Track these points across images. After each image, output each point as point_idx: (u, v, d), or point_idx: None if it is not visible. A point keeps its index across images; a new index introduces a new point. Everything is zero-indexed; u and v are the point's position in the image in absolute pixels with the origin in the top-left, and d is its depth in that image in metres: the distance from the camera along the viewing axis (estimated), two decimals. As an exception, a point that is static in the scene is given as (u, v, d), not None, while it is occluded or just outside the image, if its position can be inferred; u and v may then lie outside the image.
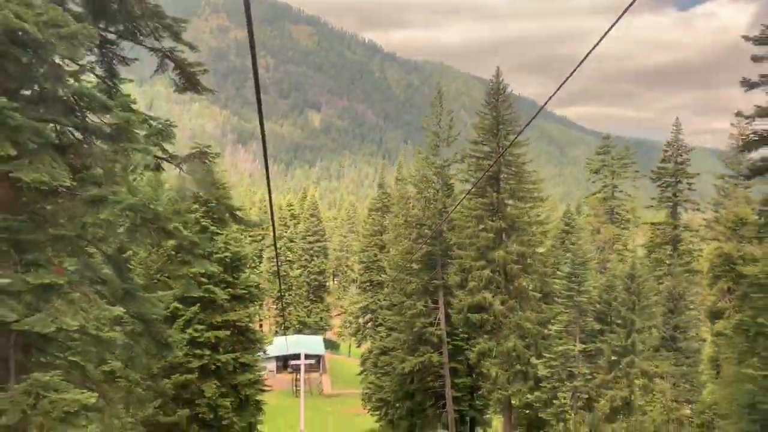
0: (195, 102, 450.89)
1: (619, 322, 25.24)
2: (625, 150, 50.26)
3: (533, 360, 27.31)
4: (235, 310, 22.68)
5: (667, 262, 36.65)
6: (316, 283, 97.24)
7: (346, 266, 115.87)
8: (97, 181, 8.00)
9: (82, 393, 7.63)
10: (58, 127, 7.79)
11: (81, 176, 7.99)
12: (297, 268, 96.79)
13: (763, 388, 14.20)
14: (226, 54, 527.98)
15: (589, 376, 25.82)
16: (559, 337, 27.29)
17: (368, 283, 54.77)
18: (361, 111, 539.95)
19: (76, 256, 8.10)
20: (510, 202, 29.19)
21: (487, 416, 39.08)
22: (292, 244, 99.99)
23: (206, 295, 21.25)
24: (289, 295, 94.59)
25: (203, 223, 21.82)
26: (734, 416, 15.98)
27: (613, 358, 25.09)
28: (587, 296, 26.64)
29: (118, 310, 8.05)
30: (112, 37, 9.73)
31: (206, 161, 9.38)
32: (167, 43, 9.96)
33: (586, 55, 4.75)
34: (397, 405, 38.27)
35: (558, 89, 5.51)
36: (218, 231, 22.39)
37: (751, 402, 14.54)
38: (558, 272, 28.82)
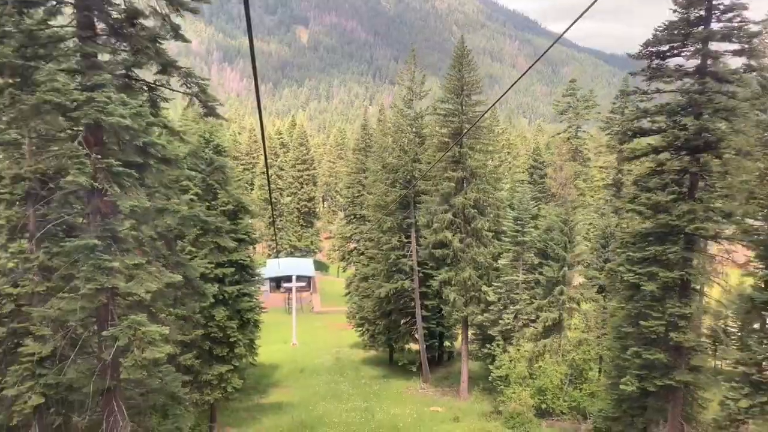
0: (178, 18, 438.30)
1: (555, 257, 30.66)
2: (589, 93, 54.51)
3: (484, 287, 33.01)
4: (237, 251, 27.83)
5: (612, 202, 41.89)
6: (306, 209, 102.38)
7: (335, 191, 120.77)
8: (160, 195, 12.74)
9: (159, 327, 12.71)
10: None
11: (150, 192, 12.66)
12: (287, 195, 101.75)
13: (621, 317, 19.62)
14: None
15: (529, 302, 31.57)
16: (507, 268, 32.87)
17: (353, 216, 60.03)
18: (350, 27, 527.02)
19: (148, 243, 12.91)
20: (471, 154, 33.86)
21: (454, 332, 45.42)
22: (282, 172, 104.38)
23: (215, 240, 26.30)
24: (281, 220, 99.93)
25: (209, 182, 26.46)
26: (611, 336, 21.59)
27: (547, 287, 30.74)
28: (530, 236, 31.98)
29: (177, 276, 13.02)
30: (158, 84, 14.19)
31: (224, 173, 14.06)
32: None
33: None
34: (377, 323, 44.35)
35: (556, 41, 5.37)
36: (222, 188, 27.07)
37: (616, 325, 20.05)
38: (508, 213, 34.10)
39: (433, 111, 36.41)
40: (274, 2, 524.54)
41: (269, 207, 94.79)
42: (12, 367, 16.48)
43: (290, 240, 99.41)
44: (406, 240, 39.36)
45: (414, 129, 38.64)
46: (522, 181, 54.38)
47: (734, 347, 17.51)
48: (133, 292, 12.16)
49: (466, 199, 33.05)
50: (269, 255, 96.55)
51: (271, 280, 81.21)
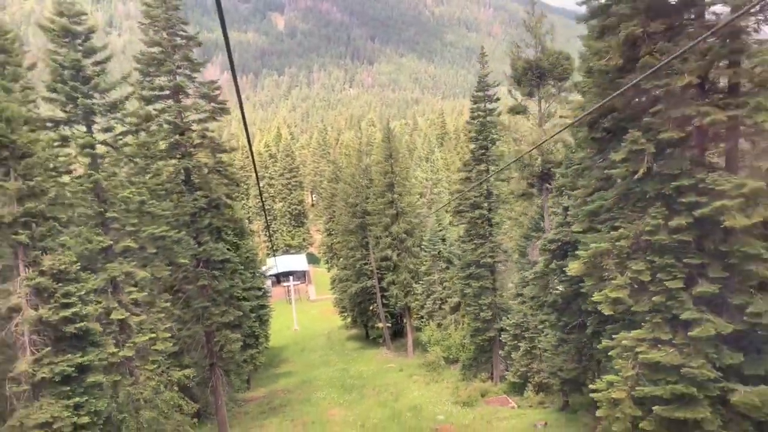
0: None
1: (454, 262, 48.23)
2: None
3: (414, 285, 50.77)
4: (254, 281, 45.39)
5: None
6: (297, 211, 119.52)
7: (321, 188, 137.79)
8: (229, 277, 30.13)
9: (235, 335, 30.26)
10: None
11: (227, 277, 29.94)
12: (279, 201, 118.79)
13: (464, 305, 37.28)
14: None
15: (441, 292, 49.35)
16: (428, 270, 50.56)
17: (331, 230, 77.23)
18: (326, 9, 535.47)
19: (226, 300, 30.27)
20: (400, 198, 51.17)
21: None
22: (273, 181, 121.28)
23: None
24: (275, 223, 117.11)
25: (225, 238, 43.74)
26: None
27: (453, 281, 48.40)
28: (439, 249, 49.59)
29: (239, 312, 30.30)
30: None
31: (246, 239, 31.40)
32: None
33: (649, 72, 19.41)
34: (353, 309, 62.27)
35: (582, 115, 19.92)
36: (237, 242, 44.30)
37: (464, 309, 37.84)
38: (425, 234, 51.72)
39: (375, 165, 53.65)
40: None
41: (263, 213, 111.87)
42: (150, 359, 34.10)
43: (285, 239, 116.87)
44: (366, 252, 56.87)
45: (365, 177, 55.91)
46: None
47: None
48: (224, 321, 29.55)
49: (399, 228, 50.57)
50: (267, 254, 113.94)
51: (273, 276, 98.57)
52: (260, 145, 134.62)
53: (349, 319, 66.96)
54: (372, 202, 53.18)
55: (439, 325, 48.86)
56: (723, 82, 12.06)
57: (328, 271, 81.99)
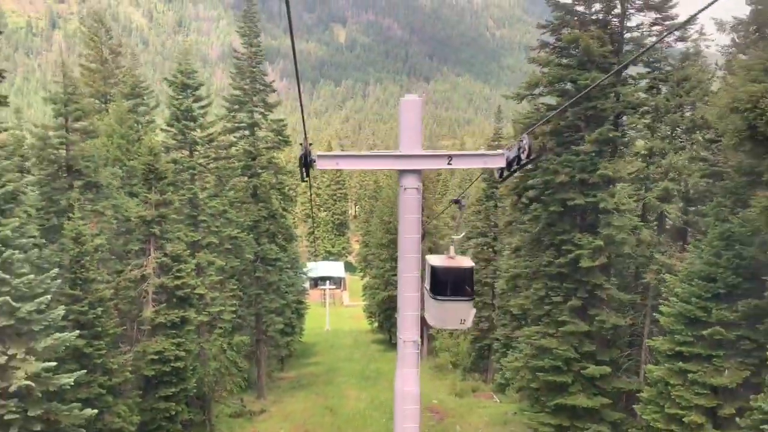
0: (222, 19, 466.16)
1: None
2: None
3: (433, 298, 58.06)
4: (297, 280, 53.63)
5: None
6: (339, 221, 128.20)
7: (364, 201, 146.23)
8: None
9: (280, 318, 38.33)
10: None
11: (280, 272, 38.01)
12: (323, 211, 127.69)
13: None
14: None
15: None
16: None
17: (367, 242, 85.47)
18: (387, 25, 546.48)
19: (280, 292, 38.32)
20: (428, 221, 58.76)
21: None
22: (319, 191, 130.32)
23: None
24: (317, 230, 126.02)
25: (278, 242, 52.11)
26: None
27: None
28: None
29: (284, 300, 38.22)
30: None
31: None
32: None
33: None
34: (379, 315, 70.03)
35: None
36: (285, 246, 52.69)
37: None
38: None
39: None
40: (312, 0, 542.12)
41: (310, 220, 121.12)
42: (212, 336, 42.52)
43: (325, 246, 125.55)
44: (394, 265, 64.40)
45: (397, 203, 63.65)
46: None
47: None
48: (271, 307, 37.65)
49: (424, 246, 57.95)
50: (309, 259, 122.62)
51: (311, 279, 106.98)
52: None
53: (375, 324, 74.65)
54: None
55: (450, 335, 56.01)
56: (592, 179, 19.45)
57: (362, 280, 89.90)
